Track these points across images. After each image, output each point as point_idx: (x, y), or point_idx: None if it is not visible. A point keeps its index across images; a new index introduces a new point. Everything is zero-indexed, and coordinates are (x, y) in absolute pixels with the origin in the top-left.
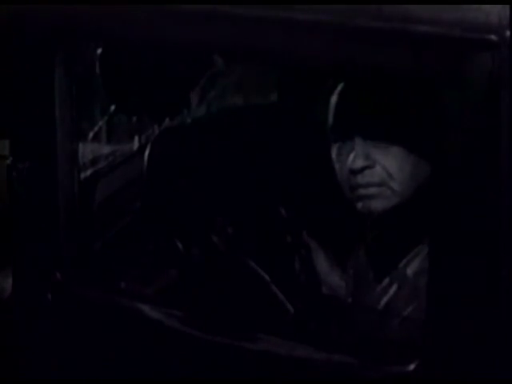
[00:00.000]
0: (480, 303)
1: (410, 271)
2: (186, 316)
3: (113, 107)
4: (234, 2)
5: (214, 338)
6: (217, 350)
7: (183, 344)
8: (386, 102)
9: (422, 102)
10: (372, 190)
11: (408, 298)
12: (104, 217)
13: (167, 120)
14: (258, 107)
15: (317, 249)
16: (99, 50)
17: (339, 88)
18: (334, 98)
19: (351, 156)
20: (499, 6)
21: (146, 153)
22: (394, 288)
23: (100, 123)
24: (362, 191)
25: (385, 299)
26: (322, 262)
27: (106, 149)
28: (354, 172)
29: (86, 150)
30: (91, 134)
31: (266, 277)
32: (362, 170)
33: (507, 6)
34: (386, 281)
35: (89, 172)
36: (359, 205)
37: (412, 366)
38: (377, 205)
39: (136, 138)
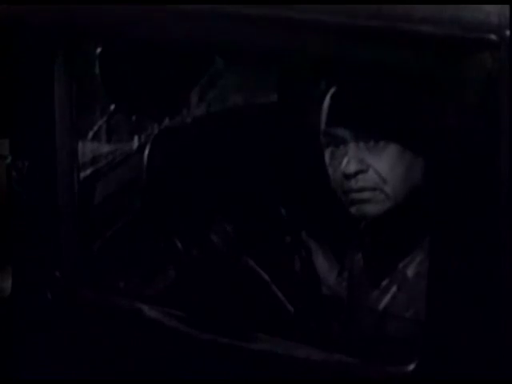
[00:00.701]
0: (480, 303)
1: (409, 272)
2: (186, 316)
3: (112, 106)
4: (234, 2)
5: (214, 338)
6: (217, 349)
7: (183, 344)
8: (382, 103)
9: (421, 103)
10: (365, 195)
11: (408, 299)
12: (104, 216)
13: (167, 120)
14: (258, 107)
15: (316, 249)
16: (99, 50)
17: (331, 91)
18: (326, 102)
19: (344, 160)
20: (499, 6)
21: (146, 152)
22: (393, 289)
23: (100, 122)
24: (356, 195)
25: (385, 300)
26: (321, 263)
27: (105, 148)
28: (348, 176)
29: (86, 150)
30: (91, 134)
31: (266, 277)
32: (356, 174)
33: (507, 6)
34: (386, 282)
35: (88, 171)
36: (353, 209)
37: (412, 366)
38: (370, 209)
39: (136, 138)
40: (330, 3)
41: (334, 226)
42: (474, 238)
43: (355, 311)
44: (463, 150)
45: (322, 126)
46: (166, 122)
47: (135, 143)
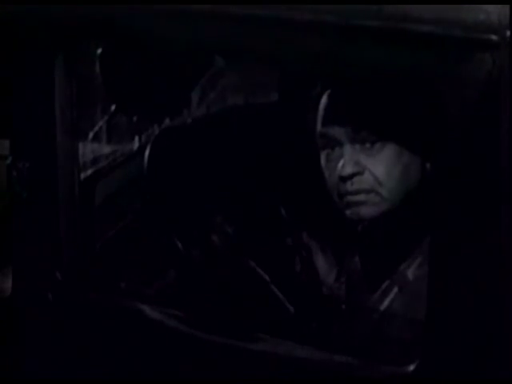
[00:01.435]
0: (480, 304)
1: (410, 274)
2: (186, 316)
3: (113, 107)
4: (234, 2)
5: (214, 338)
6: (217, 350)
7: (183, 344)
8: (378, 104)
9: (421, 103)
10: (361, 197)
11: (408, 300)
12: (104, 217)
13: (167, 120)
14: (258, 107)
15: (317, 250)
16: (99, 50)
17: (327, 93)
18: (322, 103)
19: (340, 163)
20: (499, 6)
21: (147, 153)
22: (395, 290)
23: (100, 123)
24: (351, 198)
25: (386, 301)
26: (321, 264)
27: (106, 148)
28: (344, 179)
29: (87, 150)
30: (91, 134)
31: (266, 277)
32: (352, 176)
33: (507, 6)
34: (386, 284)
35: (89, 172)
36: (348, 212)
37: (412, 366)
38: (366, 211)
39: (136, 138)
40: (330, 3)
41: (332, 228)
42: (474, 238)
43: (355, 312)
44: (463, 150)
45: (318, 127)
46: (167, 122)
47: (136, 144)
